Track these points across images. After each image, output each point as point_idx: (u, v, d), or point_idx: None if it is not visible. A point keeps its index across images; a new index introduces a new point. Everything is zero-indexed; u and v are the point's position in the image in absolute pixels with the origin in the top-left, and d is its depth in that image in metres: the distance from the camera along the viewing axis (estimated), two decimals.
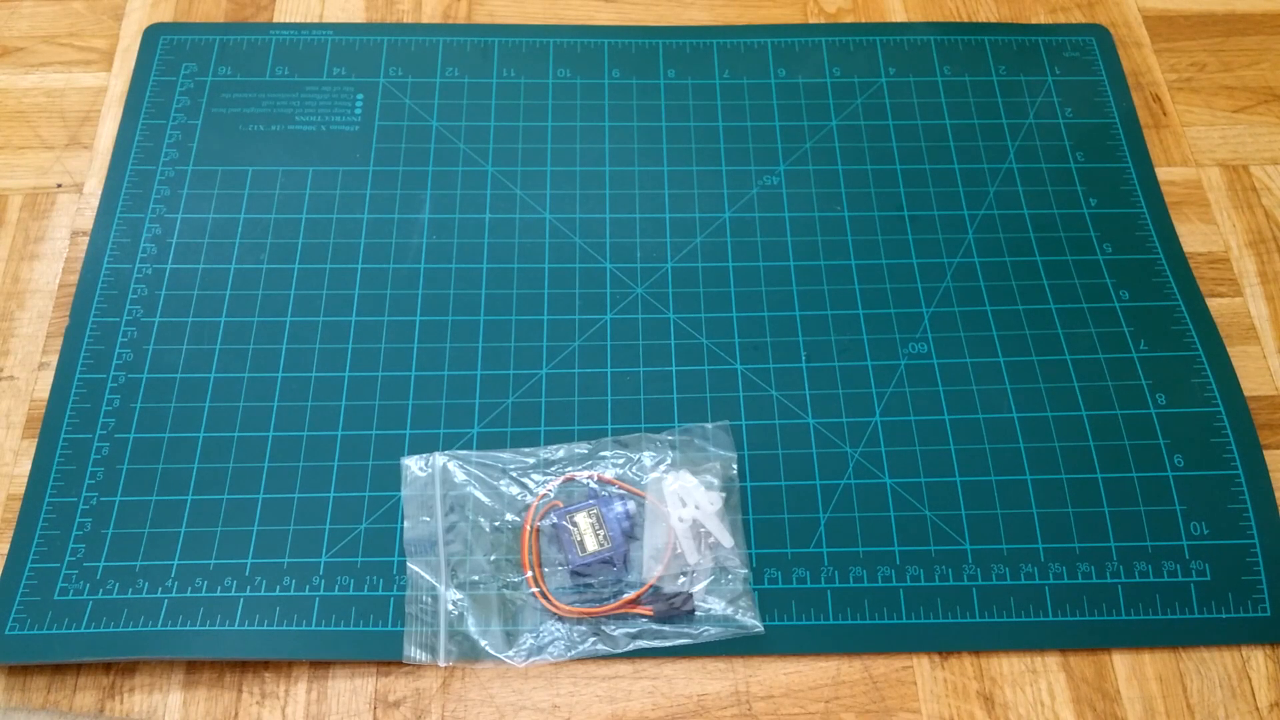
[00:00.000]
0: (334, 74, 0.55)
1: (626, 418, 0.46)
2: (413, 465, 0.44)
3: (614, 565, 0.42)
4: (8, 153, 0.53)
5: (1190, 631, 0.42)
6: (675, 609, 0.41)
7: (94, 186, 0.52)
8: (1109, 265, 0.51)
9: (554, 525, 0.42)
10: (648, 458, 0.44)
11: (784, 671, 0.41)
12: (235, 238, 0.50)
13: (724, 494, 0.43)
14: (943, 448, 0.46)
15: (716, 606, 0.41)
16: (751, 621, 0.41)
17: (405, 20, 0.58)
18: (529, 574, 0.42)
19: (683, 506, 0.42)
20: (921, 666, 0.41)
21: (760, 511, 0.44)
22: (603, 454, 0.44)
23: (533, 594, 0.41)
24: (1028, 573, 0.43)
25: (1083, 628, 0.42)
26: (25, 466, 0.44)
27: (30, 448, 0.45)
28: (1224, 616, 0.42)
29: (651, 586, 0.41)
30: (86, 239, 0.50)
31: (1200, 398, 0.47)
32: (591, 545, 0.42)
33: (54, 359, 0.47)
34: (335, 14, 0.58)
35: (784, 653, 0.41)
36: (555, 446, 0.45)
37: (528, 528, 0.42)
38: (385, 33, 0.57)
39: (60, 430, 0.45)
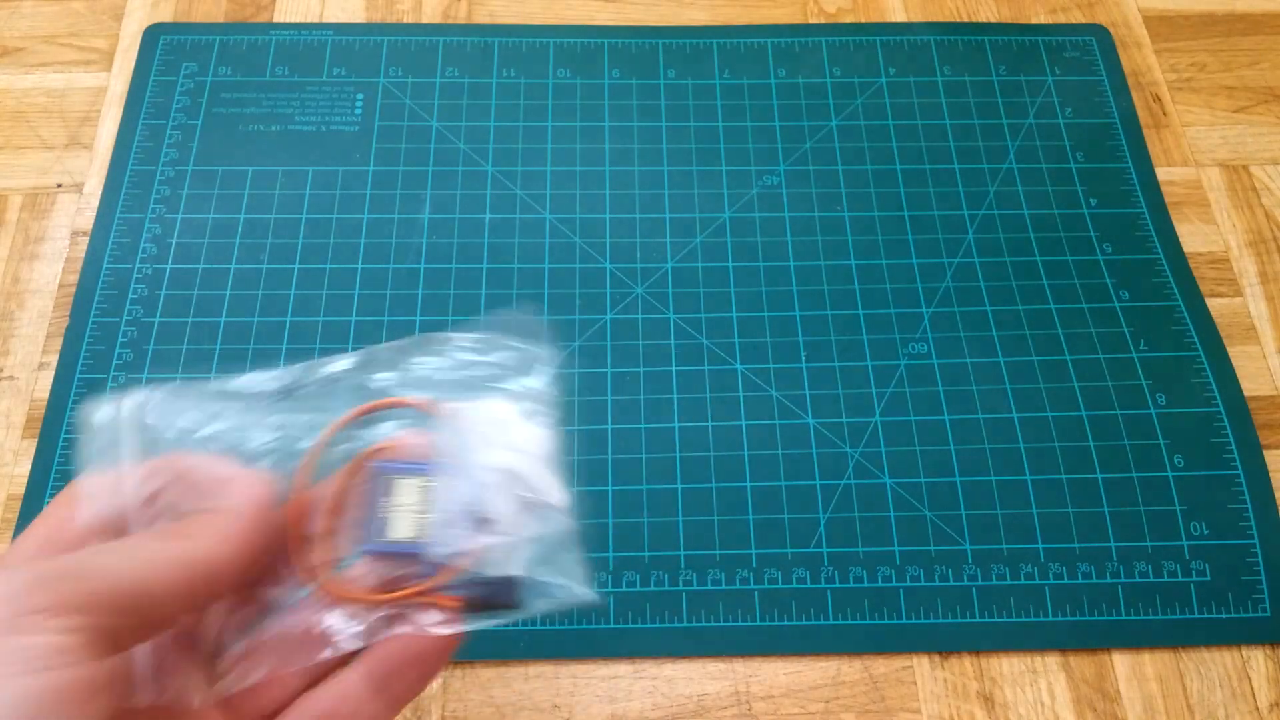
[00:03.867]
0: (334, 74, 0.55)
1: (626, 418, 0.46)
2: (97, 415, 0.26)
3: (420, 565, 0.26)
4: (8, 153, 0.53)
5: (1190, 631, 0.42)
6: (493, 601, 0.27)
7: (94, 186, 0.52)
8: (1109, 265, 0.51)
9: (372, 473, 0.27)
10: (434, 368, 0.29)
11: (784, 671, 0.41)
12: (235, 238, 0.50)
13: (549, 427, 0.28)
14: (943, 448, 0.46)
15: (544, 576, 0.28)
16: (581, 590, 0.27)
17: (405, 20, 0.58)
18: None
19: (493, 452, 0.27)
20: (921, 666, 0.41)
21: (760, 511, 0.44)
22: (375, 375, 0.29)
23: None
24: (1028, 573, 0.43)
25: (1083, 628, 0.42)
26: (25, 466, 0.44)
27: (30, 448, 0.45)
28: (1224, 616, 0.42)
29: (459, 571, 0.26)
30: (86, 239, 0.50)
31: (1200, 398, 0.47)
32: (405, 531, 0.26)
33: (54, 359, 0.47)
34: (335, 14, 0.58)
35: (784, 653, 0.41)
36: (307, 364, 0.29)
37: (312, 455, 0.27)
38: (385, 33, 0.57)
39: (60, 430, 0.45)
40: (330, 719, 0.25)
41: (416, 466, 0.27)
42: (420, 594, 0.26)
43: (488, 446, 0.27)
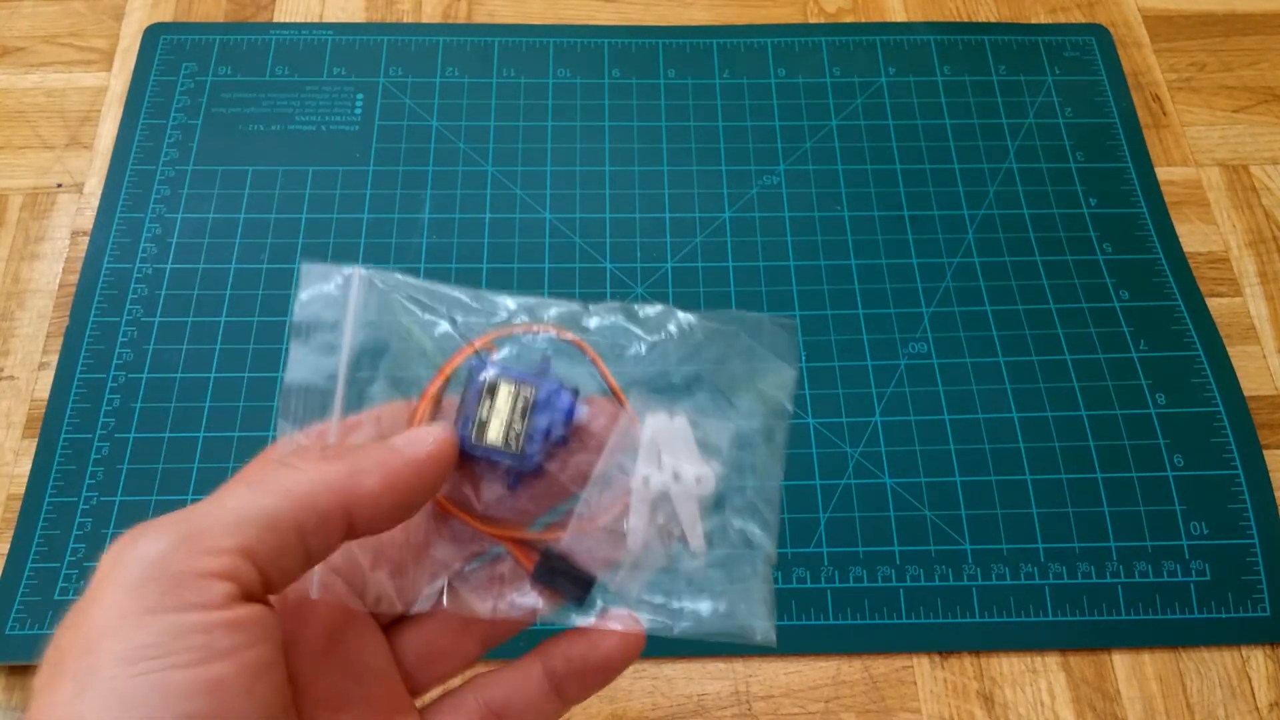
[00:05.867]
0: (334, 74, 0.55)
1: None
2: (317, 276, 0.26)
3: (505, 484, 0.27)
4: (8, 153, 0.53)
5: (1190, 631, 0.42)
6: (563, 584, 0.27)
7: (94, 186, 0.52)
8: (1109, 265, 0.51)
9: (469, 371, 0.26)
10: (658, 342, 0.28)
11: (784, 671, 0.41)
12: (235, 238, 0.50)
13: (719, 469, 0.27)
14: (943, 448, 0.46)
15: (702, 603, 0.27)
16: (762, 627, 0.27)
17: (405, 20, 0.58)
18: None
19: (657, 468, 0.26)
20: (921, 666, 0.41)
21: None
22: (592, 321, 0.28)
23: None
24: (1028, 573, 0.43)
25: (1083, 628, 0.42)
26: (25, 466, 0.44)
27: (30, 448, 0.45)
28: (1224, 616, 0.42)
29: (559, 537, 0.27)
30: (86, 239, 0.50)
31: (1200, 398, 0.47)
32: (494, 437, 0.26)
33: (54, 359, 0.47)
34: (335, 14, 0.58)
35: (784, 653, 0.41)
36: (539, 298, 0.28)
37: (441, 379, 0.27)
38: (385, 33, 0.57)
39: (60, 430, 0.45)
40: (506, 709, 0.26)
41: (519, 375, 0.26)
42: (511, 538, 0.26)
43: (651, 463, 0.27)
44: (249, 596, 0.19)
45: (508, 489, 0.27)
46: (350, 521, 0.22)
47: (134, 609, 0.18)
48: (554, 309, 0.28)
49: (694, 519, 0.27)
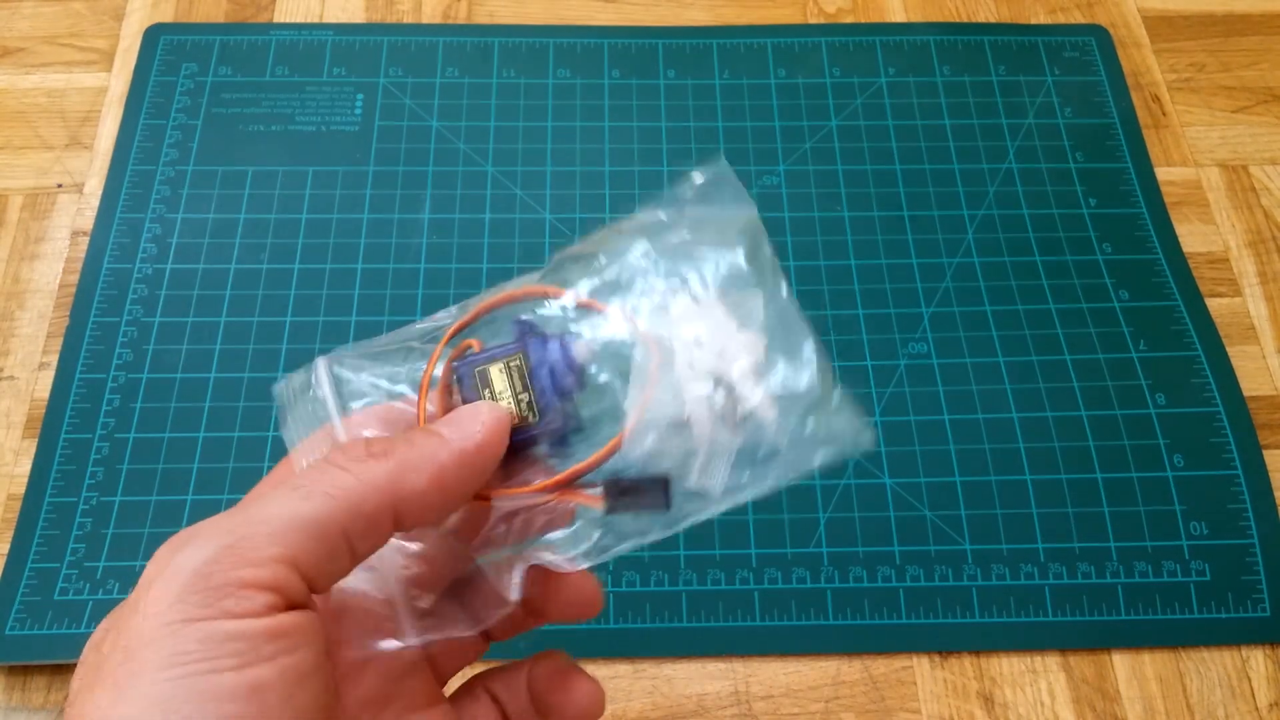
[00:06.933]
0: (334, 74, 0.55)
1: None
2: (288, 397, 0.27)
3: (540, 445, 0.26)
4: (8, 153, 0.53)
5: (1190, 631, 0.42)
6: (637, 501, 0.25)
7: (94, 186, 0.52)
8: (1109, 265, 0.51)
9: (457, 378, 0.26)
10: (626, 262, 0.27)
11: (784, 671, 0.41)
12: (235, 238, 0.50)
13: (761, 333, 0.25)
14: (943, 448, 0.46)
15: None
16: (858, 437, 0.25)
17: (405, 20, 0.58)
18: None
19: (700, 352, 0.25)
20: (921, 666, 0.41)
21: (760, 511, 0.44)
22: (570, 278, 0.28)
23: None
24: (1028, 573, 0.43)
25: (1083, 628, 0.42)
26: (25, 466, 0.44)
27: (30, 448, 0.45)
28: (1224, 616, 0.42)
29: (618, 443, 0.25)
30: (87, 239, 0.50)
31: (1200, 398, 0.47)
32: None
33: (54, 359, 0.47)
34: (335, 14, 0.58)
35: (784, 653, 0.41)
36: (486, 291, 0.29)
37: (427, 376, 0.26)
38: (385, 33, 0.57)
39: (60, 430, 0.45)
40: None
41: (502, 349, 0.26)
42: (570, 479, 0.25)
43: (693, 350, 0.25)
44: (292, 604, 0.19)
45: (549, 454, 0.26)
46: (397, 519, 0.21)
47: (175, 618, 0.18)
48: (519, 280, 0.27)
49: (753, 388, 0.25)
